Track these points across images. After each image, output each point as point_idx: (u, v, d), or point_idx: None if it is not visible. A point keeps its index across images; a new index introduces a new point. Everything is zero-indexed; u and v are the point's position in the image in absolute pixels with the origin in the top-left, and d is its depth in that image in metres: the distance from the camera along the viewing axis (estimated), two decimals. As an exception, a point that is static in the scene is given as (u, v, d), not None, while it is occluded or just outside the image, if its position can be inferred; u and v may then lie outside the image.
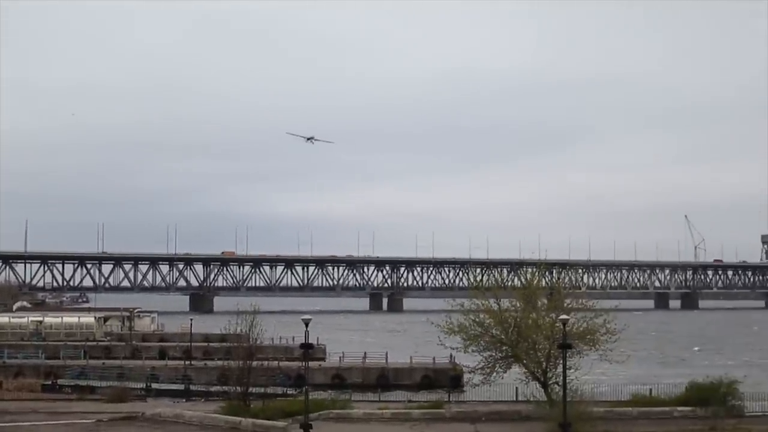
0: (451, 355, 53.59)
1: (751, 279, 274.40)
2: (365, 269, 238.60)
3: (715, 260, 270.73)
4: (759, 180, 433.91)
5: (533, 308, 41.44)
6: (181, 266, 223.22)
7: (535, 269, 48.78)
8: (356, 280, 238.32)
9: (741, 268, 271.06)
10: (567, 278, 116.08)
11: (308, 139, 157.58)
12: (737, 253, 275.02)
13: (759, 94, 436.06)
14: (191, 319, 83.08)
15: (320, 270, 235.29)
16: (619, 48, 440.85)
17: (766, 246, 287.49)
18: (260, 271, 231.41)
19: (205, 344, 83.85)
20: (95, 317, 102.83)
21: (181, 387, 58.98)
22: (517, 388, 42.84)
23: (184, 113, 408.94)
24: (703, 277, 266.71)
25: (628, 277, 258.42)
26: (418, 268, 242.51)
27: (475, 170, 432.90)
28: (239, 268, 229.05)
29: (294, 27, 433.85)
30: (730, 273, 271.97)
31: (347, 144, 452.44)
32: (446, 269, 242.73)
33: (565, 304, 41.39)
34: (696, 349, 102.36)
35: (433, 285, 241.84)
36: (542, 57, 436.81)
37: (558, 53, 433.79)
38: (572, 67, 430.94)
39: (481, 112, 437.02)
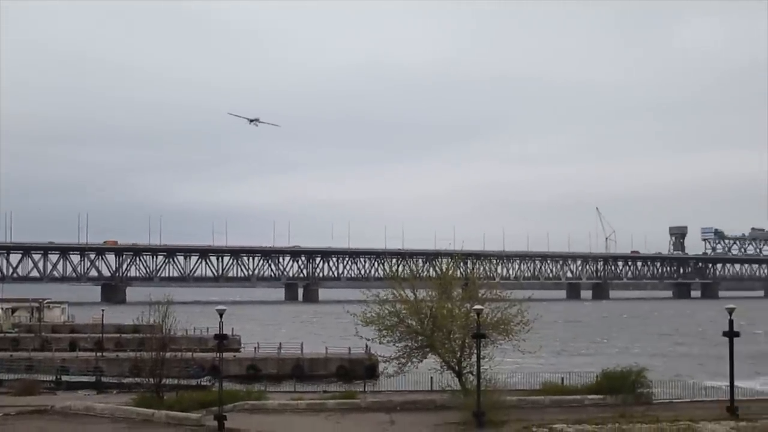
0: (366, 345, 53.58)
1: (660, 270, 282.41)
2: (281, 259, 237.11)
3: (633, 251, 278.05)
4: (666, 173, 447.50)
5: (448, 298, 41.71)
6: (92, 256, 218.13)
7: (450, 260, 49.05)
8: (271, 270, 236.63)
9: (650, 259, 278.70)
10: (481, 269, 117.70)
11: (252, 120, 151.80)
12: (646, 244, 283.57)
13: (666, 91, 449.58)
14: (103, 310, 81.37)
15: (235, 260, 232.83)
16: (531, 44, 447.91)
17: (674, 238, 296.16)
18: (174, 262, 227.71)
19: (118, 335, 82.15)
20: (2, 308, 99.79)
21: (93, 379, 57.54)
22: (432, 377, 43.07)
23: (96, 103, 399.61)
24: (613, 267, 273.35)
25: (541, 267, 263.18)
26: (334, 259, 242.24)
27: (391, 161, 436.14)
28: (152, 258, 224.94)
29: (209, 18, 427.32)
30: (639, 264, 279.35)
31: (261, 134, 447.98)
32: (362, 260, 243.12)
33: (480, 295, 41.72)
34: (603, 340, 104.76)
35: (348, 275, 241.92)
36: (454, 52, 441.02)
37: (470, 48, 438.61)
38: (483, 62, 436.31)
39: (396, 104, 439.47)
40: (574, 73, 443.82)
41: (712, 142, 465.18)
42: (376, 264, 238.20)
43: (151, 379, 38.90)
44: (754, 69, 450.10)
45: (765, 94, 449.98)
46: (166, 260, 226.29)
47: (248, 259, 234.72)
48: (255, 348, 69.77)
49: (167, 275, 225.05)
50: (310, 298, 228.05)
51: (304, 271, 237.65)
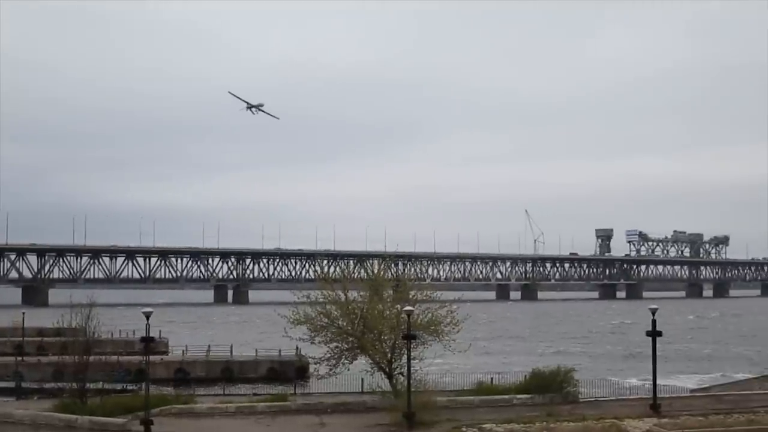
0: (297, 347, 53.28)
1: (586, 271, 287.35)
2: (210, 261, 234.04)
3: (571, 253, 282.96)
4: (589, 178, 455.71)
5: (379, 300, 41.68)
6: (13, 257, 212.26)
7: (381, 261, 48.97)
8: (200, 271, 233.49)
9: (577, 260, 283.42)
10: (412, 270, 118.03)
11: (252, 106, 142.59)
12: (573, 246, 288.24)
13: (585, 97, 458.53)
14: (23, 313, 79.08)
15: (163, 261, 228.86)
16: (458, 47, 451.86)
17: (600, 240, 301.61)
18: (99, 263, 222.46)
19: (39, 339, 79.86)
20: None
21: (12, 384, 55.86)
22: (362, 378, 42.96)
23: (16, 100, 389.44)
24: (541, 269, 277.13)
25: (471, 269, 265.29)
26: (264, 260, 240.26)
27: (321, 162, 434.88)
28: (76, 259, 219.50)
29: (134, 18, 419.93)
30: (566, 265, 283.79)
31: (189, 134, 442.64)
32: (293, 261, 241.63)
33: (410, 296, 41.79)
34: (532, 340, 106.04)
35: (279, 277, 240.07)
36: (382, 53, 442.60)
37: (399, 50, 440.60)
38: (411, 65, 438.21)
39: (325, 105, 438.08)
40: (498, 77, 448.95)
41: (634, 147, 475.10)
42: (307, 265, 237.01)
43: (74, 384, 37.87)
44: (666, 77, 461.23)
45: (676, 102, 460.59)
46: (91, 261, 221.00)
47: (176, 261, 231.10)
48: (183, 351, 68.70)
49: (92, 277, 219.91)
50: (240, 299, 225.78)
51: (234, 273, 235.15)
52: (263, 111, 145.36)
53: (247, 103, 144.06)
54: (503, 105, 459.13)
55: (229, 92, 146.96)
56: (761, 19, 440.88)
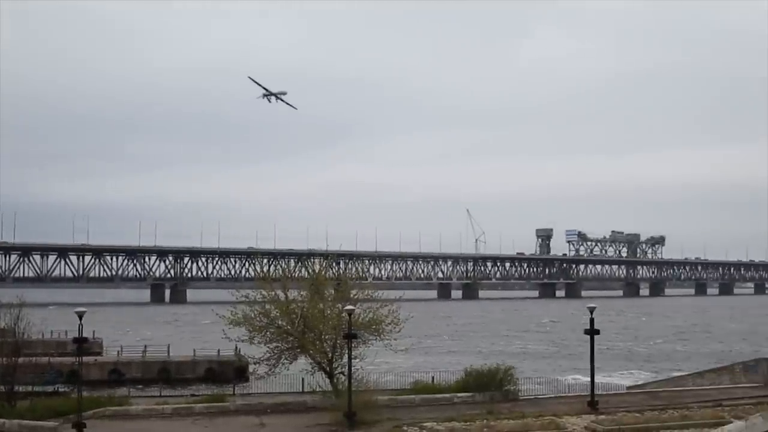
0: (236, 347, 52.61)
1: (527, 270, 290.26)
2: (146, 259, 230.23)
3: (518, 253, 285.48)
4: (529, 179, 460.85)
5: (320, 299, 41.32)
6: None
7: (322, 260, 48.58)
8: (137, 270, 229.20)
9: (518, 260, 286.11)
10: (354, 269, 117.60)
11: (272, 94, 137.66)
12: (514, 245, 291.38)
13: (522, 99, 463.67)
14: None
15: (97, 260, 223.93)
16: (399, 47, 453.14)
17: (540, 239, 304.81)
18: (30, 261, 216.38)
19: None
20: None
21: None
22: (303, 378, 42.61)
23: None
24: (482, 268, 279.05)
25: (412, 268, 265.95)
26: (203, 258, 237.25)
27: (262, 161, 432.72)
28: (5, 257, 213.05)
29: (66, 12, 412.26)
30: (507, 264, 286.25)
31: (126, 131, 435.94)
32: (232, 260, 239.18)
33: (352, 295, 41.56)
34: (473, 338, 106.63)
35: (218, 276, 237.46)
36: (327, 53, 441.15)
37: (343, 50, 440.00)
38: (353, 65, 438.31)
39: (262, 104, 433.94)
40: (441, 78, 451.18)
41: (572, 149, 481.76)
42: (246, 264, 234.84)
43: (2, 387, 36.72)
44: (600, 81, 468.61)
45: (610, 104, 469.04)
46: (21, 259, 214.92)
47: (111, 259, 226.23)
48: (118, 351, 67.43)
49: (22, 275, 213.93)
50: (178, 299, 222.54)
51: (172, 272, 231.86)
52: (282, 100, 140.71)
53: (267, 90, 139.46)
54: (445, 106, 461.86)
55: (249, 77, 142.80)
56: (692, 25, 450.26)
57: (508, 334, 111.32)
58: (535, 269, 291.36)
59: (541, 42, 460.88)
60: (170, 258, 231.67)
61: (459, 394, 40.27)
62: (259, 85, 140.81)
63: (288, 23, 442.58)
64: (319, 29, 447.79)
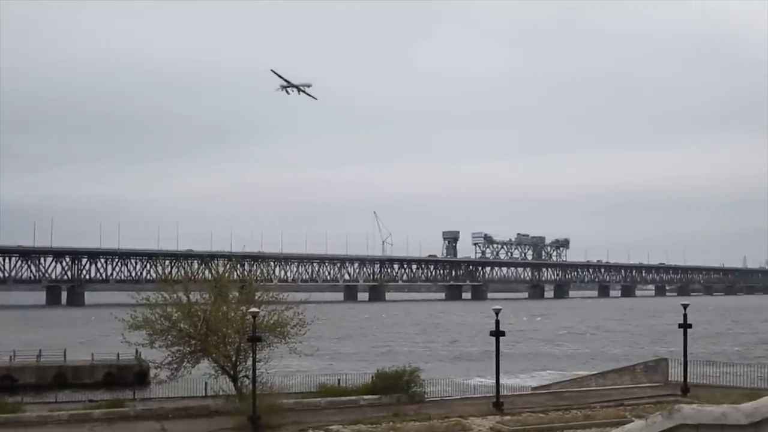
0: (137, 351, 51.24)
1: (433, 272, 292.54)
2: (42, 260, 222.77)
3: (430, 255, 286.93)
4: (436, 181, 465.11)
5: (224, 301, 40.60)
6: None
7: (226, 261, 47.80)
8: (31, 272, 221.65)
9: (424, 262, 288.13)
10: (259, 271, 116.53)
11: (292, 86, 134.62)
12: (421, 247, 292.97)
13: (429, 100, 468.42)
14: None
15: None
16: (302, 47, 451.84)
17: (446, 242, 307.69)
18: None
19: None
20: None
21: None
22: (206, 382, 41.74)
23: None
24: (389, 270, 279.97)
25: (319, 269, 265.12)
26: (102, 260, 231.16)
27: (163, 161, 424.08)
28: None
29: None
30: (414, 267, 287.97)
31: (22, 128, 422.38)
32: (133, 261, 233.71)
33: (256, 297, 41.01)
34: (380, 339, 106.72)
35: (118, 278, 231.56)
36: (227, 52, 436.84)
37: (244, 49, 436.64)
38: (257, 64, 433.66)
39: (164, 102, 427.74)
40: (342, 78, 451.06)
41: (479, 152, 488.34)
42: (148, 266, 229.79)
43: None
44: (502, 82, 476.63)
45: (514, 109, 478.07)
46: None
47: (3, 260, 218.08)
48: (10, 356, 64.80)
49: None
50: (76, 301, 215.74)
51: (69, 273, 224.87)
52: (305, 92, 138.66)
53: (289, 82, 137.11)
54: (350, 106, 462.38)
55: (272, 70, 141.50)
56: (591, 27, 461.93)
57: (414, 336, 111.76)
58: (441, 271, 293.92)
59: (441, 42, 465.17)
60: (67, 259, 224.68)
61: (365, 397, 40.06)
62: (282, 78, 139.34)
63: (187, 20, 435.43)
64: (221, 28, 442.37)
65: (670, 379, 45.30)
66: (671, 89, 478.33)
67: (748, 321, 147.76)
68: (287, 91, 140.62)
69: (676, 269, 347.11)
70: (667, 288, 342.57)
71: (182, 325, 39.54)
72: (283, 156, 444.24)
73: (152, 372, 48.35)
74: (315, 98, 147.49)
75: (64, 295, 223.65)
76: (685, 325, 41.36)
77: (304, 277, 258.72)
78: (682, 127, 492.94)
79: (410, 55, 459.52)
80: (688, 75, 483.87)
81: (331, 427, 32.12)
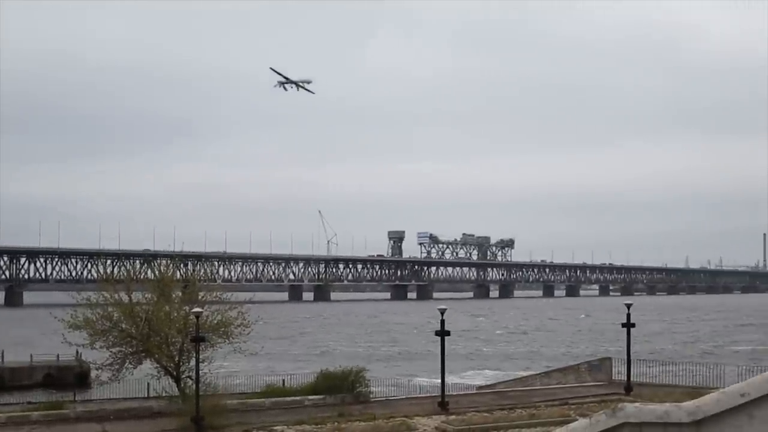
0: (77, 352, 50.37)
1: (379, 272, 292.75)
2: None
3: (378, 255, 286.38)
4: (381, 180, 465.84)
5: (167, 301, 40.18)
6: None
7: (169, 261, 47.38)
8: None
9: (370, 261, 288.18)
10: (202, 270, 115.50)
11: (290, 82, 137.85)
12: (366, 247, 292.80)
13: (372, 100, 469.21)
14: None
15: None
16: (246, 45, 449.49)
17: (392, 241, 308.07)
18: None
19: None
20: None
21: None
22: (148, 383, 41.23)
23: None
24: (335, 270, 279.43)
25: (263, 269, 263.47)
26: (42, 259, 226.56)
27: (104, 159, 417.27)
28: None
29: None
30: (359, 266, 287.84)
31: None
32: (73, 260, 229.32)
33: (200, 297, 40.69)
34: (327, 340, 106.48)
35: (58, 277, 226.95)
36: (166, 49, 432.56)
37: (183, 46, 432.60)
38: (197, 62, 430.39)
39: (102, 100, 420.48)
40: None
41: (423, 152, 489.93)
42: (89, 265, 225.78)
43: None
44: (439, 85, 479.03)
45: (455, 109, 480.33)
46: None
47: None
48: (-57, 359, 63.25)
49: None
50: (14, 301, 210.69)
51: (7, 273, 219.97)
52: (304, 88, 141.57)
53: (288, 78, 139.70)
54: (291, 105, 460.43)
55: (271, 68, 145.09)
56: (537, 34, 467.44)
57: (358, 336, 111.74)
58: (387, 271, 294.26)
59: (387, 42, 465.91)
60: (5, 258, 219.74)
61: (310, 397, 39.93)
62: (280, 74, 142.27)
63: (131, 15, 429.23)
64: (157, 25, 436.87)
65: (613, 377, 45.91)
66: (614, 91, 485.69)
67: (690, 320, 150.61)
68: (285, 88, 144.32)
69: (619, 269, 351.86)
70: (611, 288, 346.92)
71: (124, 326, 39.12)
72: (226, 155, 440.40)
73: (93, 373, 47.60)
74: (313, 92, 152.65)
75: (1, 296, 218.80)
76: (628, 325, 41.93)
77: (248, 276, 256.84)
78: (625, 129, 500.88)
79: (357, 55, 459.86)
80: (630, 78, 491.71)
81: (275, 428, 31.99)
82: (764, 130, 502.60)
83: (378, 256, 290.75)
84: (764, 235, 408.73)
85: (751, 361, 65.46)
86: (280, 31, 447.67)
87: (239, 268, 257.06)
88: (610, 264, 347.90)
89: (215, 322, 39.23)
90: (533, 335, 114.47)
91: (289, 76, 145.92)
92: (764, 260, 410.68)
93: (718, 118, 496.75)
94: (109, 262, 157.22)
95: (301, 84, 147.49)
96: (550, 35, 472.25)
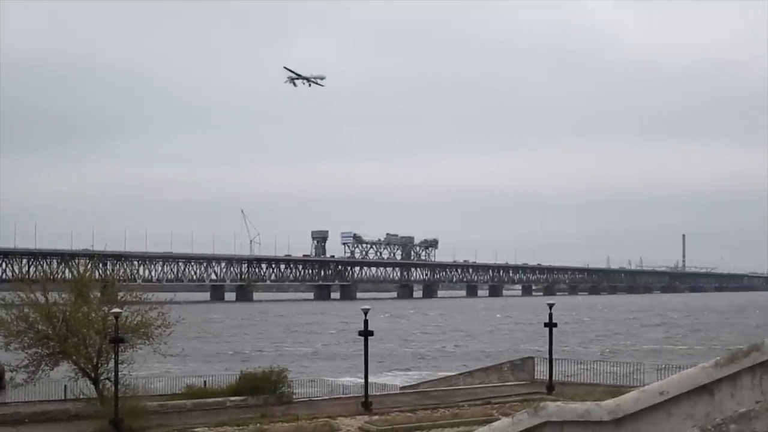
0: (-10, 354, 48.92)
1: (302, 272, 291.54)
2: None
3: (304, 255, 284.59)
4: (303, 180, 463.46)
5: (84, 301, 39.40)
6: None
7: (87, 261, 46.54)
8: None
9: (293, 261, 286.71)
10: (122, 270, 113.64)
11: (303, 78, 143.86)
12: (289, 247, 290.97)
13: (290, 97, 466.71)
14: None
15: None
16: (169, 44, 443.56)
17: (316, 241, 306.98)
18: None
19: None
20: None
21: None
22: (66, 385, 40.36)
23: None
24: (257, 270, 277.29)
25: (184, 269, 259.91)
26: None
27: (19, 155, 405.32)
28: None
29: None
30: (282, 266, 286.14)
31: None
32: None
33: (119, 297, 40.05)
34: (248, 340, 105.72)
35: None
36: (81, 43, 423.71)
37: (99, 41, 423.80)
38: (112, 56, 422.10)
39: (7, 92, 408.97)
40: (202, 73, 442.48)
41: (343, 151, 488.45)
42: (4, 264, 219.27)
43: None
44: (362, 85, 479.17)
45: (370, 108, 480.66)
46: None
47: None
48: None
49: None
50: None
51: None
52: (317, 83, 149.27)
53: (299, 75, 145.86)
54: (212, 104, 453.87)
55: (285, 67, 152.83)
56: (458, 35, 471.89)
57: (281, 336, 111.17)
58: (310, 271, 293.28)
59: (308, 41, 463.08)
60: None
61: (232, 398, 39.60)
62: (293, 72, 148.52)
63: (42, 10, 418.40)
64: (80, 20, 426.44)
65: (536, 377, 46.54)
66: (535, 91, 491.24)
67: (611, 319, 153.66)
68: (294, 83, 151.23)
69: (542, 269, 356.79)
70: (534, 288, 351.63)
71: (40, 327, 38.31)
72: (147, 153, 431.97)
73: (8, 375, 46.18)
74: (322, 85, 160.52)
75: None
76: (550, 324, 42.53)
77: (169, 276, 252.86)
78: (548, 130, 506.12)
79: (278, 54, 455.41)
80: (552, 78, 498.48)
81: (196, 429, 31.67)
82: (686, 132, 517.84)
83: (305, 256, 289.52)
84: (683, 236, 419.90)
85: (660, 359, 67.32)
86: (203, 29, 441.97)
87: (160, 268, 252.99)
88: (532, 264, 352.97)
89: (135, 322, 38.71)
90: (454, 335, 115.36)
91: (300, 72, 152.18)
92: (683, 261, 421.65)
93: (637, 119, 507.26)
94: (24, 261, 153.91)
95: (312, 80, 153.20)
96: (472, 38, 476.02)
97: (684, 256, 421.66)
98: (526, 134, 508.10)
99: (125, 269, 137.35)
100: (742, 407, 7.79)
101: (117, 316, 34.51)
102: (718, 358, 8.35)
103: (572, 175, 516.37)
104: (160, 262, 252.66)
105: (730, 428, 7.33)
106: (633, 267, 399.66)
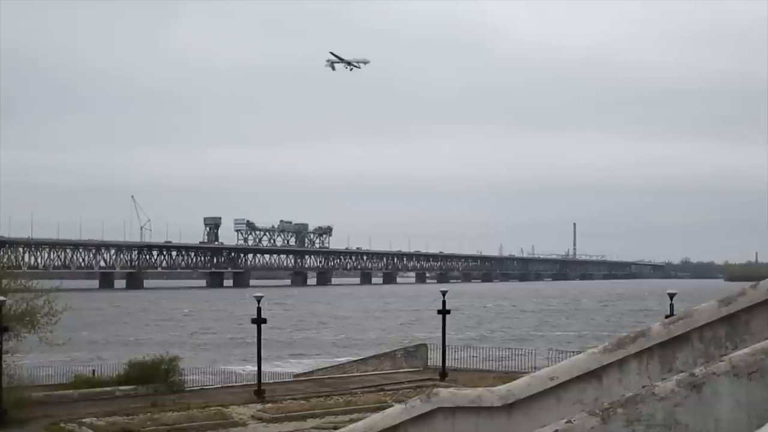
0: None
1: (194, 259, 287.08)
2: None
3: (201, 242, 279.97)
4: (193, 167, 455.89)
5: (-32, 289, 37.88)
6: None
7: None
8: None
9: (184, 248, 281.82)
10: (6, 257, 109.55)
11: (344, 62, 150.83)
12: (181, 233, 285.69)
13: (179, 84, 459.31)
14: None
15: None
16: (56, 27, 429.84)
17: (208, 228, 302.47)
18: None
19: None
20: None
21: None
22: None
23: None
24: (148, 257, 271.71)
25: (72, 256, 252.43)
26: None
27: None
28: None
29: None
30: (174, 253, 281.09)
31: None
32: None
33: (3, 285, 38.70)
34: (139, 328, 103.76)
35: None
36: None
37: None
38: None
39: None
40: (100, 60, 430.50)
41: (232, 139, 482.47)
42: None
43: None
44: (250, 71, 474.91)
45: (266, 96, 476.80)
46: None
47: None
48: None
49: None
50: None
51: None
52: (358, 67, 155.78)
53: (341, 59, 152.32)
54: (96, 87, 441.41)
55: (331, 53, 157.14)
56: (348, 21, 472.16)
57: (170, 324, 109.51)
58: (203, 258, 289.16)
59: (188, 29, 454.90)
60: None
61: (121, 387, 38.76)
62: (336, 56, 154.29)
63: None
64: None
65: (429, 364, 47.07)
66: (424, 80, 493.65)
67: (503, 307, 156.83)
68: (333, 67, 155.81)
69: (435, 257, 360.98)
70: (428, 275, 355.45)
71: None
72: (31, 138, 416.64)
73: None
74: (359, 68, 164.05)
75: None
76: (443, 311, 43.04)
77: (56, 263, 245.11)
78: (438, 118, 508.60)
79: (162, 38, 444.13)
80: (442, 70, 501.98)
81: (84, 420, 30.92)
82: (571, 123, 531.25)
83: (201, 243, 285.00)
84: (574, 224, 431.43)
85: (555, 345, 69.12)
86: (81, 13, 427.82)
87: (46, 255, 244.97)
88: (426, 252, 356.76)
89: (20, 311, 37.43)
90: (347, 322, 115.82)
91: (343, 57, 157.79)
92: (574, 249, 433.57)
93: (530, 110, 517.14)
94: None
95: (355, 64, 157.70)
96: (361, 25, 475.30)
97: (575, 244, 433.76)
98: (418, 122, 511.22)
99: (9, 256, 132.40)
100: (629, 391, 8.07)
101: (1, 304, 33.34)
102: (607, 343, 8.62)
103: (466, 164, 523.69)
104: (47, 249, 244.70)
105: (617, 412, 7.57)
106: (525, 255, 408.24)
